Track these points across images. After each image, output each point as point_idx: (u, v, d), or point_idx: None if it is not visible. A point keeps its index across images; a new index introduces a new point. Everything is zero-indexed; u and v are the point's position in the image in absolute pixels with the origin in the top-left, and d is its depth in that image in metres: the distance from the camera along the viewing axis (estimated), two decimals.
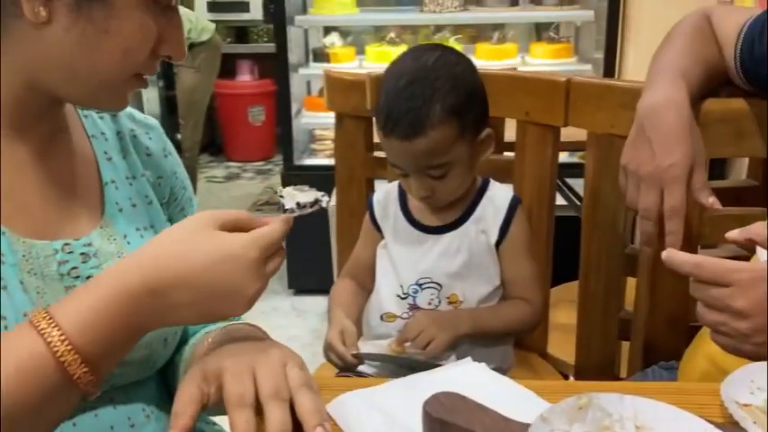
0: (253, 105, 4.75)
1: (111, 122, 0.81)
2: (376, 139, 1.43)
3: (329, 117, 2.92)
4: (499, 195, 1.07)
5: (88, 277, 0.71)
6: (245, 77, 4.73)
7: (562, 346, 1.28)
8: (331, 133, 3.06)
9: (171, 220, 0.83)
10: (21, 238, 0.68)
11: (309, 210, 0.68)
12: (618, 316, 1.16)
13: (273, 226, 0.63)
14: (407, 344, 1.00)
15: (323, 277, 2.24)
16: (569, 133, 1.18)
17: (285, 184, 2.87)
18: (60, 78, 0.67)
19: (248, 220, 0.64)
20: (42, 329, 0.56)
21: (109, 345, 0.59)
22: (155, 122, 0.86)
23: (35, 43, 0.65)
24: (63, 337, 0.56)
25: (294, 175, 2.84)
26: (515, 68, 1.52)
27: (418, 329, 0.99)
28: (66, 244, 0.71)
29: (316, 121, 2.96)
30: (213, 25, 3.52)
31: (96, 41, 0.65)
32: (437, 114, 0.93)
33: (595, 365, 1.18)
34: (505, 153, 1.30)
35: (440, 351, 0.99)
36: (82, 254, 0.71)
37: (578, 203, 1.94)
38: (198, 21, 3.43)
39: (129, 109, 0.80)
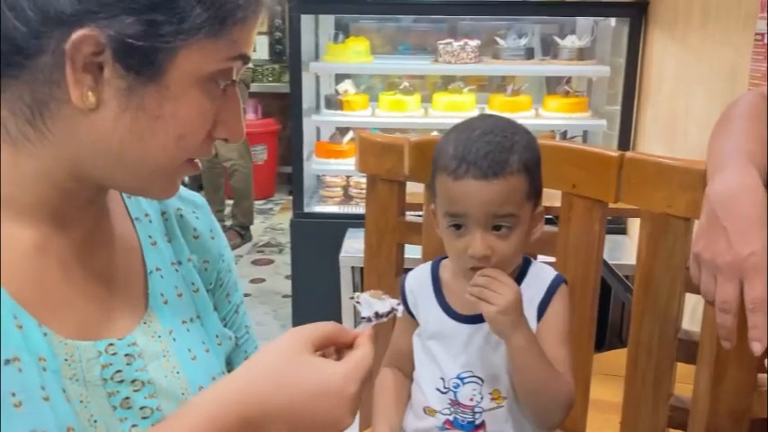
0: (256, 144, 4.72)
1: (156, 201, 0.76)
2: (408, 201, 1.40)
3: (339, 164, 2.94)
4: (540, 276, 0.98)
5: (133, 381, 0.64)
6: (249, 116, 4.71)
7: (602, 427, 1.22)
8: (341, 180, 3.04)
9: (216, 308, 0.77)
10: (63, 339, 0.61)
11: (385, 319, 0.66)
12: (668, 402, 1.10)
13: (365, 351, 0.61)
14: None
15: None
16: None
17: (294, 230, 2.83)
18: (108, 167, 0.61)
19: (337, 335, 0.63)
20: None
21: None
22: (201, 200, 0.80)
23: (83, 130, 0.59)
24: None
25: (304, 222, 2.80)
26: (553, 132, 1.48)
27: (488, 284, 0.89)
28: (110, 344, 0.64)
29: (326, 168, 2.93)
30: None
31: (149, 127, 0.59)
32: (516, 163, 0.90)
33: None
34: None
35: (503, 307, 0.88)
36: (126, 355, 0.65)
37: (606, 268, 1.90)
38: None
39: None
